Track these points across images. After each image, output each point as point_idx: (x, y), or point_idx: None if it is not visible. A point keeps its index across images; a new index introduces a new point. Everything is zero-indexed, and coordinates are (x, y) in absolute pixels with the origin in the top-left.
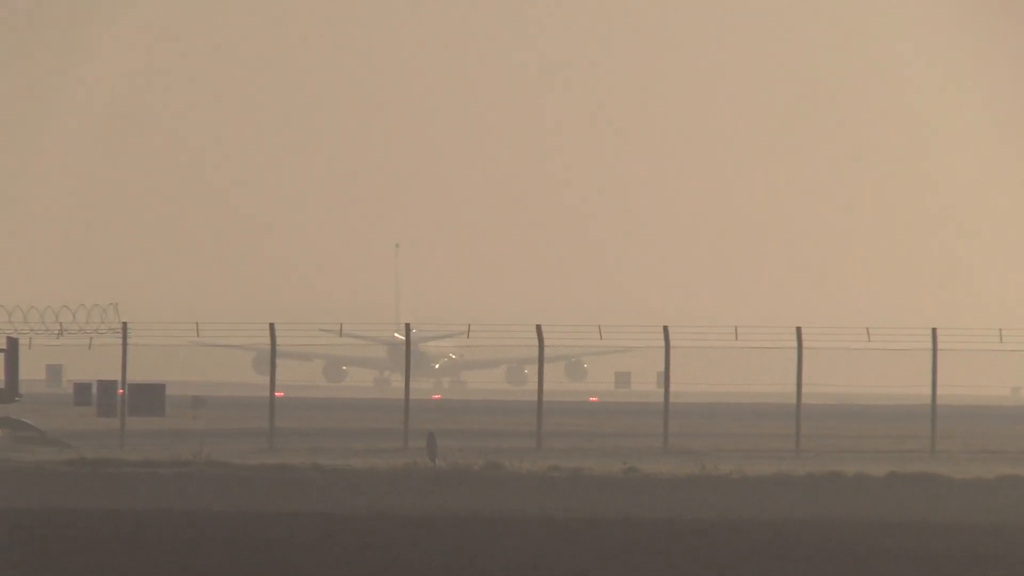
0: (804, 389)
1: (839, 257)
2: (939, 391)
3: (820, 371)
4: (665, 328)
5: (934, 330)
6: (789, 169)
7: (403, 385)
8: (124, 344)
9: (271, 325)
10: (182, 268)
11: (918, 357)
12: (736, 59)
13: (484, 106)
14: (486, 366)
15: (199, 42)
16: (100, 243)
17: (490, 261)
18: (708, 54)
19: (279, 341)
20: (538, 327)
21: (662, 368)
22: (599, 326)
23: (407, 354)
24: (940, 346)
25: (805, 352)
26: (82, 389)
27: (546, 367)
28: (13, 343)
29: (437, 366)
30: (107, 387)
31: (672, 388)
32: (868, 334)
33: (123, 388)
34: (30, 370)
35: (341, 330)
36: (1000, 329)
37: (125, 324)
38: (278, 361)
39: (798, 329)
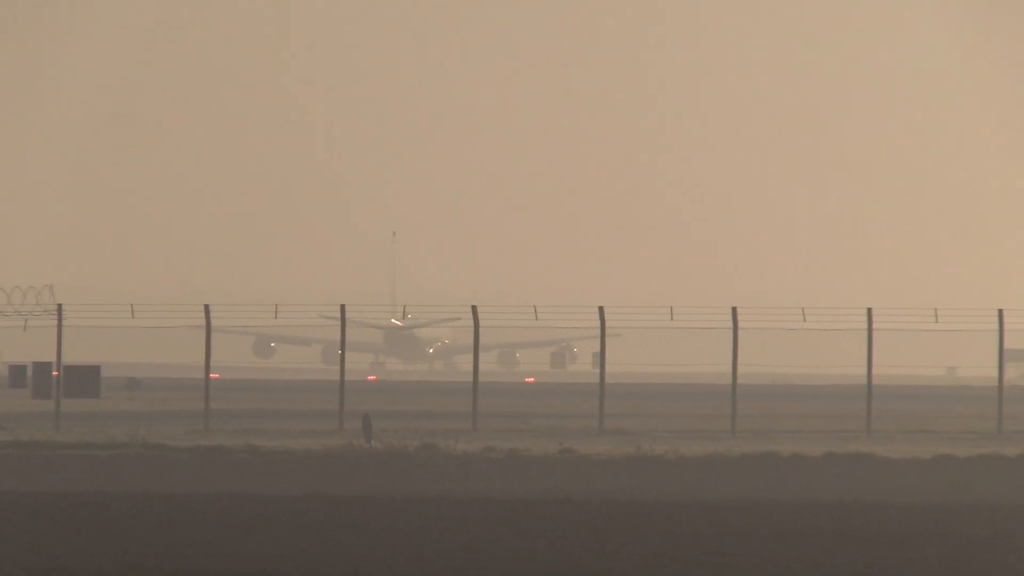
0: (740, 369)
1: (775, 238)
2: (875, 371)
3: (756, 351)
4: (600, 309)
5: (869, 310)
6: (729, 150)
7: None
8: (60, 326)
9: (206, 307)
10: (120, 249)
11: (854, 337)
12: (734, 58)
13: (481, 100)
14: (480, 350)
15: (197, 34)
16: (35, 225)
17: (484, 249)
18: (708, 46)
19: (280, 323)
20: (473, 308)
21: (597, 349)
22: (535, 306)
23: (342, 338)
24: (876, 326)
25: (741, 332)
26: (17, 371)
27: (534, 351)
28: None
29: (431, 351)
30: (42, 369)
31: (608, 369)
32: (804, 314)
33: (58, 370)
34: None
35: (343, 311)
36: (936, 309)
37: (60, 306)
38: (280, 345)
39: (734, 309)
